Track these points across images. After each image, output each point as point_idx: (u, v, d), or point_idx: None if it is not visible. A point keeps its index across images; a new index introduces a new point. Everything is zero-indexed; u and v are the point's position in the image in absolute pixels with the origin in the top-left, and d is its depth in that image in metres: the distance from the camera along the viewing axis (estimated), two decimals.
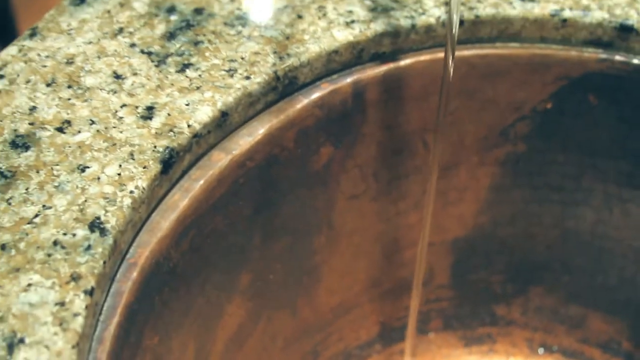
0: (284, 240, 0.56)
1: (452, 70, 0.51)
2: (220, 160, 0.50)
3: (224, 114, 0.50)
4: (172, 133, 0.49)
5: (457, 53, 0.56)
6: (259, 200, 0.53)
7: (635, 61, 0.56)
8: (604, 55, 0.56)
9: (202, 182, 0.49)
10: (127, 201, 0.45)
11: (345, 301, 0.62)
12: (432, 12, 0.56)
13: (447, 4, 0.55)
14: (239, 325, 0.55)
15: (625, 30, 0.56)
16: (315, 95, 0.54)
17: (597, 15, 0.56)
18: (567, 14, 0.56)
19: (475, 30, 0.57)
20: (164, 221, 0.47)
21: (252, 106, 0.52)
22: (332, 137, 0.55)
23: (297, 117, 0.53)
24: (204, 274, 0.51)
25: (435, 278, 0.65)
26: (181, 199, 0.48)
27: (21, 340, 0.40)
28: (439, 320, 0.66)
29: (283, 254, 0.56)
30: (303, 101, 0.53)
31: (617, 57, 0.56)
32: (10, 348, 0.40)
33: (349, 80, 0.55)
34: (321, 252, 0.59)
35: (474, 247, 0.64)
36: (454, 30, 0.49)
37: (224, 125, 0.50)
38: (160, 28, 0.55)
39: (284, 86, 0.53)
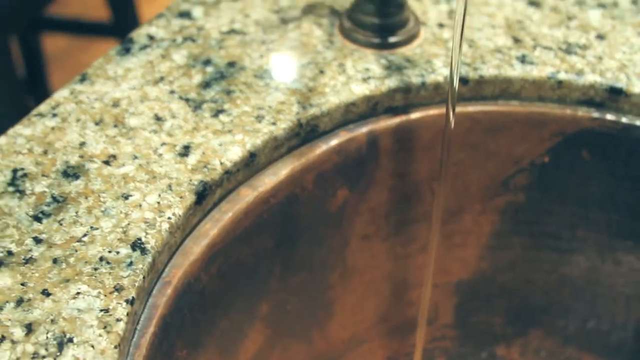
0: (302, 274, 0.62)
1: (453, 122, 0.57)
2: (247, 195, 0.56)
3: (252, 155, 0.56)
4: (206, 169, 0.54)
5: (462, 109, 0.62)
6: (280, 234, 0.59)
7: (625, 120, 0.62)
8: (596, 115, 0.62)
9: (230, 214, 0.55)
10: (165, 226, 0.51)
11: (356, 335, 0.67)
12: (440, 71, 0.63)
13: (449, 64, 0.61)
14: (258, 350, 0.60)
15: (615, 92, 0.61)
16: (334, 142, 0.60)
17: (590, 78, 0.62)
18: (562, 76, 0.62)
19: (479, 88, 0.63)
20: (196, 247, 0.53)
21: (277, 149, 0.58)
22: (347, 181, 0.61)
23: (317, 161, 0.59)
24: (229, 298, 0.56)
25: (439, 318, 0.70)
26: (212, 228, 0.54)
27: (70, 340, 0.45)
28: (442, 359, 0.71)
29: (300, 287, 0.62)
30: (322, 147, 0.59)
31: (608, 116, 0.62)
32: (61, 346, 0.45)
33: (364, 130, 0.61)
34: (335, 287, 0.64)
35: (476, 290, 0.69)
36: (454, 85, 0.55)
37: (251, 164, 0.56)
38: (197, 78, 0.62)
39: (306, 133, 0.59)
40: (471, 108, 0.62)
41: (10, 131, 0.58)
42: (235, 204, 0.55)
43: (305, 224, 0.60)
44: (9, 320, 0.46)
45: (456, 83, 0.55)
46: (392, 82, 0.61)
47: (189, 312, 0.52)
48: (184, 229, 0.52)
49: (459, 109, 0.61)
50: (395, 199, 0.64)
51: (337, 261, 0.63)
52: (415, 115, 0.62)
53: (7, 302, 0.47)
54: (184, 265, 0.51)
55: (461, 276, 0.68)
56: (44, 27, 1.66)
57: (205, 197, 0.54)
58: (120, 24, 1.59)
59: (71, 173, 0.55)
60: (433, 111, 0.62)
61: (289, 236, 0.59)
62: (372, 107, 0.61)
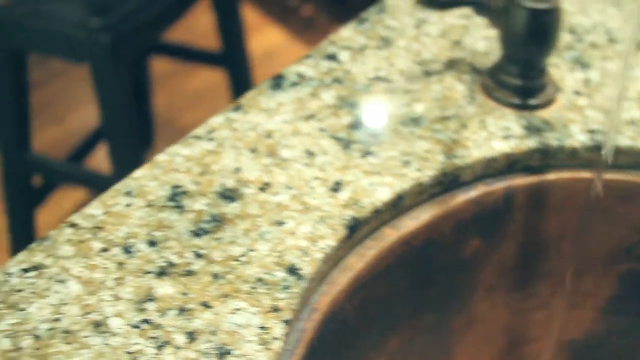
0: (430, 315, 0.64)
1: (599, 191, 0.59)
2: (390, 235, 0.58)
3: (399, 198, 0.59)
4: (356, 206, 0.57)
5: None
6: (416, 275, 0.61)
7: None
8: None
9: (374, 251, 0.57)
10: (319, 255, 0.54)
11: None
12: (577, 137, 0.65)
13: (604, 133, 0.63)
14: None
15: None
16: (473, 194, 0.62)
17: None
18: None
19: (614, 157, 0.65)
20: (342, 278, 0.55)
21: (420, 195, 0.60)
22: (481, 232, 0.63)
23: (456, 210, 0.61)
24: (366, 330, 0.58)
25: None
26: (357, 262, 0.56)
27: (229, 352, 0.48)
28: None
29: (427, 327, 0.64)
30: (462, 197, 0.62)
31: None
32: (221, 357, 0.48)
33: (501, 185, 0.63)
34: (457, 332, 0.66)
35: (589, 351, 0.70)
36: (607, 156, 0.57)
37: (397, 207, 0.59)
38: (346, 119, 0.65)
39: (448, 182, 0.61)
40: (605, 175, 0.64)
41: (170, 150, 0.62)
42: (380, 242, 0.58)
43: (439, 268, 0.62)
44: (172, 326, 0.49)
45: (610, 156, 0.57)
46: (531, 143, 0.64)
47: (332, 339, 0.54)
48: (334, 260, 0.55)
49: (592, 175, 0.63)
50: (523, 253, 0.66)
51: (462, 307, 0.66)
52: (550, 176, 0.64)
53: (169, 309, 0.50)
54: (330, 294, 0.54)
55: (575, 336, 0.70)
56: (153, 50, 1.72)
57: (355, 232, 0.56)
58: (229, 54, 1.64)
59: (228, 195, 0.58)
60: (567, 174, 0.64)
61: (423, 277, 0.62)
62: (510, 164, 0.63)
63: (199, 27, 1.97)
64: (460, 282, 0.64)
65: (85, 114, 1.92)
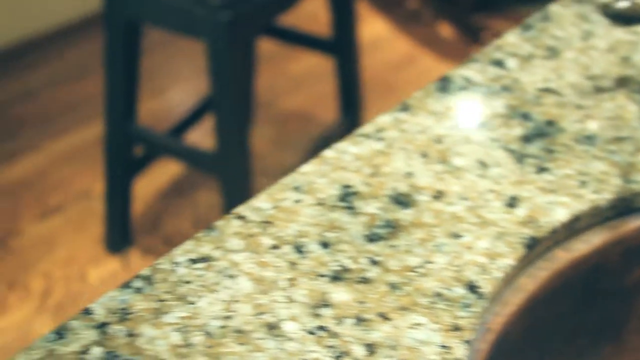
0: (582, 341, 0.61)
1: None
2: (562, 257, 0.56)
3: (576, 219, 0.56)
4: (533, 225, 0.55)
5: None
6: (578, 300, 0.59)
7: None
8: None
9: (546, 272, 0.55)
10: (498, 274, 0.51)
11: None
12: None
13: None
14: None
15: None
16: None
17: None
18: None
19: None
20: (514, 298, 0.53)
21: (594, 217, 0.58)
22: None
23: (627, 236, 0.59)
24: (529, 352, 0.56)
25: None
26: (529, 283, 0.54)
27: None
28: None
29: (579, 353, 0.61)
30: (634, 223, 0.59)
31: None
32: None
33: None
34: None
35: None
36: None
37: (572, 228, 0.56)
38: (517, 130, 0.62)
39: (622, 206, 0.59)
40: None
41: (338, 146, 0.60)
42: (552, 264, 0.55)
43: (599, 294, 0.60)
44: (350, 336, 0.48)
45: None
46: None
47: None
48: (510, 279, 0.53)
49: None
50: None
51: (615, 335, 0.63)
52: None
53: (345, 317, 0.49)
54: (503, 315, 0.52)
55: None
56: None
57: (532, 251, 0.54)
58: (339, 42, 1.62)
59: (401, 201, 0.56)
60: None
61: (584, 303, 0.59)
62: None
63: (305, 11, 1.94)
64: (617, 310, 0.62)
65: (183, 88, 1.92)
